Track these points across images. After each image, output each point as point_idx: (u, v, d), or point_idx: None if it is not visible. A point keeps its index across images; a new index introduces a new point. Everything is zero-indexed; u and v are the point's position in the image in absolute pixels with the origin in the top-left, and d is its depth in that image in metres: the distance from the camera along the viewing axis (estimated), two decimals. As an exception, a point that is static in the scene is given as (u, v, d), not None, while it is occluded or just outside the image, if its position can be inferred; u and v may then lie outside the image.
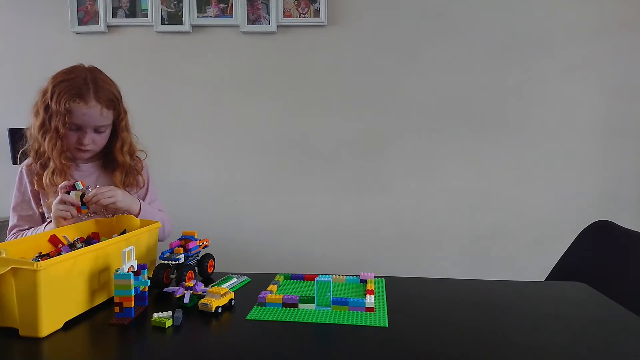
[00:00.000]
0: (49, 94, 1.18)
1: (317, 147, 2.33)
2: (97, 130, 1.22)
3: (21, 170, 1.28)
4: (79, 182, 1.14)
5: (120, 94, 1.27)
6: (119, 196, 1.18)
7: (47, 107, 1.18)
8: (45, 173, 1.21)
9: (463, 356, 0.73)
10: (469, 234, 2.32)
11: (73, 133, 1.20)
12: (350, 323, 0.85)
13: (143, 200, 1.35)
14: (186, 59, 2.32)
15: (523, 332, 0.82)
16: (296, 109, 2.32)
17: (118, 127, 1.28)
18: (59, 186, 1.14)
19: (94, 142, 1.23)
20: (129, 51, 2.33)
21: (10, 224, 1.27)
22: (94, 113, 1.19)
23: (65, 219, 1.12)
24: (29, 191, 1.26)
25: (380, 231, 2.35)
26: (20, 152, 1.28)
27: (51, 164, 1.21)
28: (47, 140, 1.18)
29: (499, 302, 0.98)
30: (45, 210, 1.25)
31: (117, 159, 1.29)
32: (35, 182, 1.24)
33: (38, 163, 1.23)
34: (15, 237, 1.23)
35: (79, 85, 1.17)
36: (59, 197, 1.12)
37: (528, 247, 2.30)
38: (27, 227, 1.25)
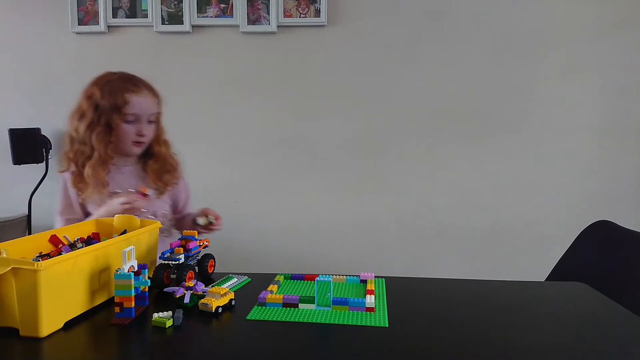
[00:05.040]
0: (97, 95, 1.24)
1: (317, 147, 2.33)
2: (149, 119, 1.30)
3: (64, 176, 1.31)
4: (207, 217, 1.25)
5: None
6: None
7: (96, 107, 1.24)
8: (87, 165, 1.24)
9: (463, 356, 0.73)
10: (469, 233, 2.32)
11: (130, 126, 1.26)
12: (350, 323, 0.85)
13: (185, 203, 1.46)
14: (186, 59, 2.33)
15: (523, 332, 0.82)
16: (296, 109, 2.32)
17: (158, 120, 1.36)
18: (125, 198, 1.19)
19: (147, 134, 1.29)
20: (129, 51, 2.33)
21: (57, 225, 1.29)
22: (149, 100, 1.28)
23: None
24: (74, 199, 1.29)
25: (380, 231, 2.35)
26: (61, 157, 1.32)
27: (95, 155, 1.24)
28: (94, 135, 1.23)
29: (499, 302, 0.98)
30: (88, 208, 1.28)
31: (153, 149, 1.35)
32: (77, 186, 1.26)
33: (79, 163, 1.26)
34: None
35: (126, 80, 1.27)
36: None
37: (528, 247, 2.30)
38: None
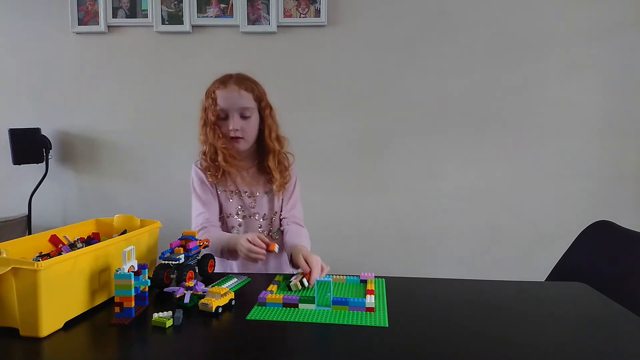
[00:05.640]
0: (204, 97, 1.34)
1: (317, 147, 2.33)
2: (242, 115, 1.30)
3: (193, 169, 1.39)
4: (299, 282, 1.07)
5: (262, 89, 1.38)
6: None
7: (205, 109, 1.32)
8: (220, 161, 1.30)
9: (463, 356, 0.73)
10: (469, 234, 2.32)
11: (224, 122, 1.30)
12: (350, 323, 0.85)
13: (290, 205, 1.44)
14: (186, 59, 2.32)
15: (523, 332, 0.82)
16: (296, 109, 2.32)
17: (264, 115, 1.36)
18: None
19: (243, 129, 1.30)
20: (129, 51, 2.33)
21: (196, 212, 1.35)
22: (234, 94, 1.29)
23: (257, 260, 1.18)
24: (205, 181, 1.36)
25: (380, 231, 2.35)
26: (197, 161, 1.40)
27: (220, 151, 1.29)
28: (208, 132, 1.30)
29: (499, 302, 0.98)
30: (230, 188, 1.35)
31: (267, 145, 1.36)
32: (212, 176, 1.33)
33: (211, 162, 1.32)
34: (203, 227, 1.30)
35: (222, 78, 1.34)
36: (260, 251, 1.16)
37: (528, 247, 2.30)
38: (208, 214, 1.33)
